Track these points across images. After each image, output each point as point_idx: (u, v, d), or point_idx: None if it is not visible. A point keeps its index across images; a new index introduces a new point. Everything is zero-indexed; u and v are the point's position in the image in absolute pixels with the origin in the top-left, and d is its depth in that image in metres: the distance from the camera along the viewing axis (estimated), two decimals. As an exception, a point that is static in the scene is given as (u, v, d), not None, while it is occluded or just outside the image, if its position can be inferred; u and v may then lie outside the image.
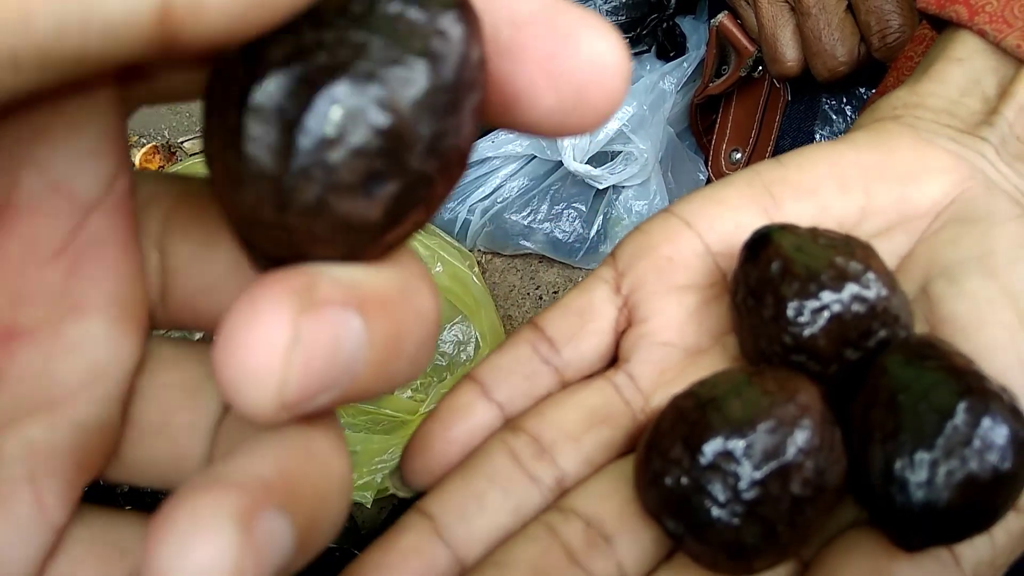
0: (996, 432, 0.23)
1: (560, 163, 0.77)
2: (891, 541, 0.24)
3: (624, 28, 0.73)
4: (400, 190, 0.14)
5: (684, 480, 0.24)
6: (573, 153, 0.74)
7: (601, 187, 0.77)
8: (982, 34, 0.31)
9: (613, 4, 0.72)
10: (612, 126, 0.74)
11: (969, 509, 0.23)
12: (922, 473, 0.23)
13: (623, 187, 0.77)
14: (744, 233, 0.27)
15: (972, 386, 0.24)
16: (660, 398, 0.28)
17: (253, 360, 0.13)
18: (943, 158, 0.30)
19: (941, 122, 0.31)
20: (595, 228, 0.78)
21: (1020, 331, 0.26)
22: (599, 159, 0.76)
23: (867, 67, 0.57)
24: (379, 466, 0.69)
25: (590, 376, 0.29)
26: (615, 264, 0.30)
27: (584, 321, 0.29)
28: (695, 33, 0.73)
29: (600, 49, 0.14)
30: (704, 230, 0.29)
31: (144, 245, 0.17)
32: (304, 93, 0.13)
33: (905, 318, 0.26)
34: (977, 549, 0.24)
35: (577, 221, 0.79)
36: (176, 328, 0.18)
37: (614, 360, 0.29)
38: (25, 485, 0.15)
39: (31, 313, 0.15)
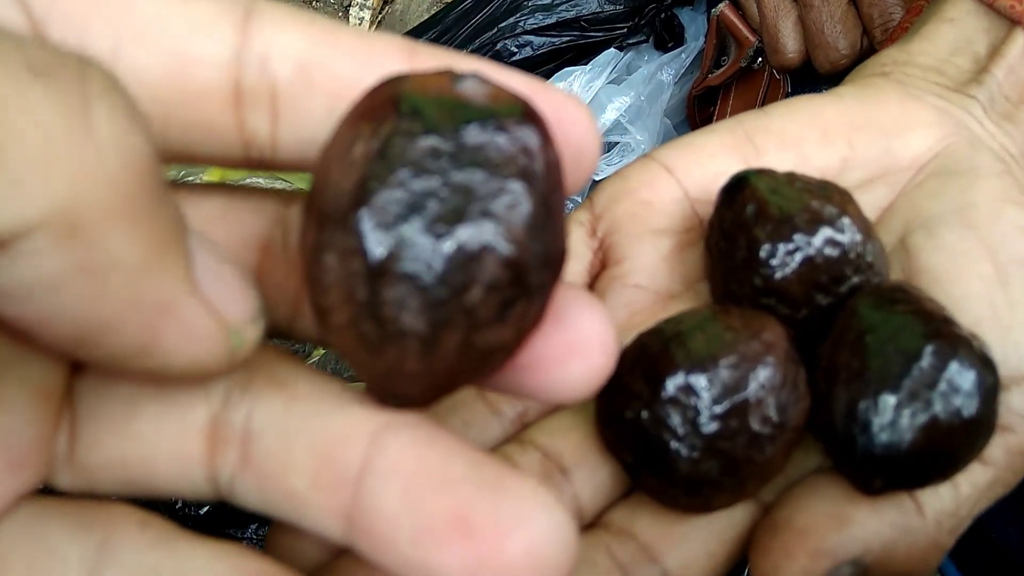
0: (963, 377, 0.23)
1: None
2: (852, 484, 0.23)
3: (622, 18, 0.73)
4: (526, 306, 0.14)
5: (644, 414, 0.23)
6: (570, 141, 0.74)
7: (598, 178, 0.77)
8: (975, -5, 0.31)
9: (614, -8, 0.72)
10: (609, 116, 0.73)
11: (932, 454, 0.22)
12: (886, 415, 0.23)
13: (618, 177, 0.76)
14: (723, 180, 0.27)
15: (941, 330, 0.23)
16: (630, 340, 0.27)
17: None
18: (929, 113, 0.29)
19: (929, 79, 0.30)
20: (588, 218, 0.78)
21: (996, 283, 0.25)
22: (595, 148, 0.75)
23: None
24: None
25: None
26: (592, 207, 0.29)
27: None
28: (693, 24, 0.73)
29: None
30: (683, 175, 0.29)
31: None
32: (434, 249, 0.13)
33: (879, 266, 0.26)
34: (941, 498, 0.23)
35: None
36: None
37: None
38: None
39: None
